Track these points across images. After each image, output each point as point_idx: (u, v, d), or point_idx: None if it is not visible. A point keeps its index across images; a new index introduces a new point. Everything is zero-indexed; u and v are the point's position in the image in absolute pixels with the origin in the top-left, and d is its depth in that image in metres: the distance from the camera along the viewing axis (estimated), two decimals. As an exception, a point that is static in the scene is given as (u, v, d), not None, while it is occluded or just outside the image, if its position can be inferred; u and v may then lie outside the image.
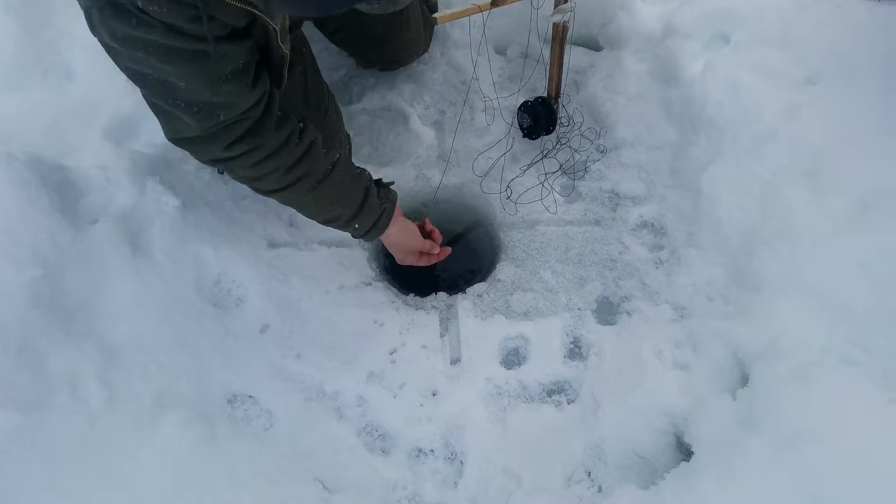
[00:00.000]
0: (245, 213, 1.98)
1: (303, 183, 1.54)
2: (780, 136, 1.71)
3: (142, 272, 1.74)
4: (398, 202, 1.79)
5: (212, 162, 1.50)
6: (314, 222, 1.99)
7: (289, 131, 1.48)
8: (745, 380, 1.54)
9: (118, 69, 1.33)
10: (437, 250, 1.90)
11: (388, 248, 1.86)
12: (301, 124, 1.54)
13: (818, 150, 1.66)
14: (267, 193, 1.59)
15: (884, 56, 1.78)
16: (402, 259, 1.88)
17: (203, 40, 1.24)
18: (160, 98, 1.34)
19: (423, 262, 1.91)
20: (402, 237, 1.82)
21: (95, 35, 1.26)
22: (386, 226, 1.74)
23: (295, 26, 1.62)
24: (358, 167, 1.68)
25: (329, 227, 1.74)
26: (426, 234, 1.91)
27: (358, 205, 1.65)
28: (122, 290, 1.70)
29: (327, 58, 2.27)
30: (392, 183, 1.81)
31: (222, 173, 1.94)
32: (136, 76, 1.30)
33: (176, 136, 1.44)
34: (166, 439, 1.53)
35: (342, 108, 2.10)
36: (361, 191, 1.66)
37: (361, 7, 1.10)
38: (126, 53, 1.24)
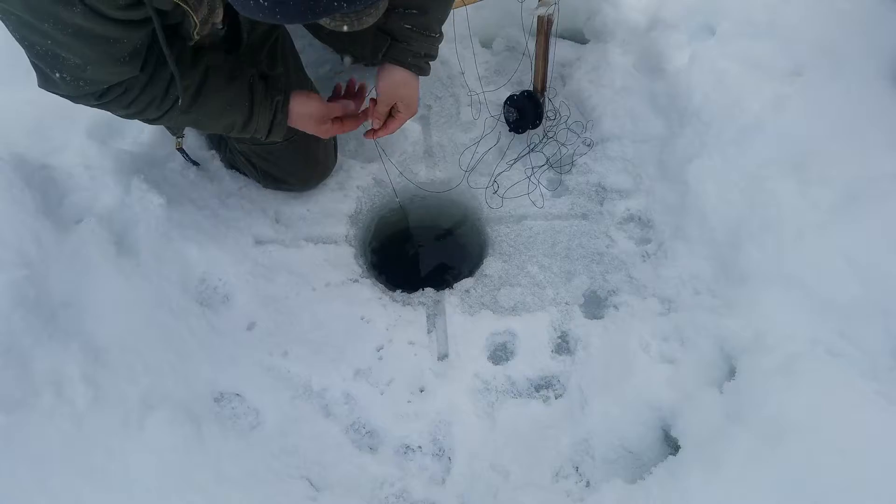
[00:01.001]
0: (230, 210, 1.97)
1: (182, 101, 1.46)
2: (765, 128, 1.71)
3: (127, 271, 1.73)
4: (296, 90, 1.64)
5: (86, 105, 1.45)
6: (301, 219, 2.00)
7: (153, 62, 1.40)
8: (732, 373, 1.54)
9: (17, 42, 1.28)
10: (351, 107, 1.71)
11: (297, 125, 1.66)
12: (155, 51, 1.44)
13: (804, 142, 1.66)
14: (151, 121, 1.55)
15: (870, 47, 1.78)
16: (316, 132, 1.68)
17: (120, 24, 1.22)
18: (46, 66, 1.30)
19: (337, 130, 1.71)
20: (302, 111, 1.63)
21: None
22: (286, 113, 1.61)
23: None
24: (238, 68, 1.55)
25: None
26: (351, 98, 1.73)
27: (248, 105, 1.54)
28: (107, 289, 1.68)
29: (311, 53, 2.25)
30: (283, 72, 1.71)
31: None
32: (25, 41, 1.26)
33: (49, 89, 1.40)
34: (153, 439, 1.53)
35: (327, 104, 2.09)
36: (245, 89, 1.54)
37: (324, 22, 1.08)
38: (28, 22, 1.19)
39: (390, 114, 1.72)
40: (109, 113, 1.49)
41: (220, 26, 1.46)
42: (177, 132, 1.80)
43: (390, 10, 1.59)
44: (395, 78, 1.67)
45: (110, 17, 1.20)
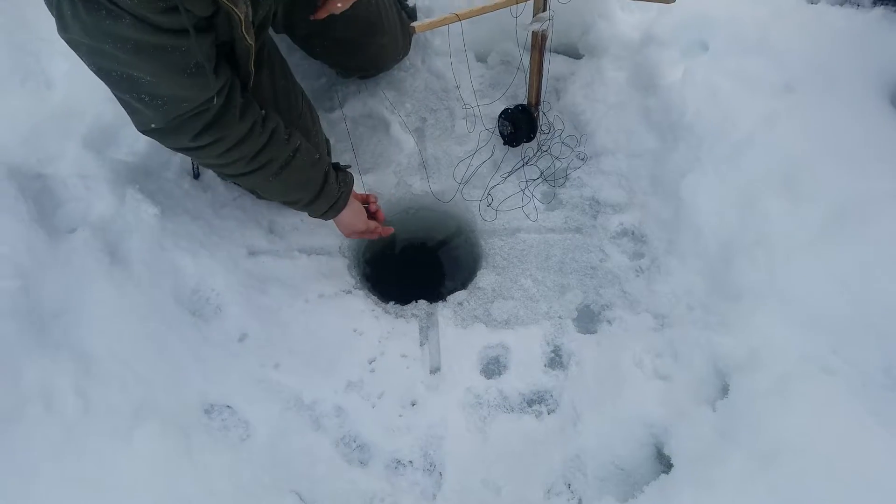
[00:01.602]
0: (224, 220, 1.97)
1: (266, 169, 1.60)
2: (757, 144, 1.72)
3: (119, 281, 1.72)
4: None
5: (181, 150, 1.56)
6: (295, 229, 2.00)
7: (252, 120, 1.52)
8: (725, 390, 1.53)
9: (98, 77, 1.35)
10: (379, 230, 1.95)
11: (336, 224, 1.89)
12: (263, 112, 1.58)
13: (796, 159, 1.66)
14: (232, 178, 1.66)
15: (862, 64, 1.79)
16: (348, 235, 1.94)
17: (170, 33, 1.27)
18: (125, 92, 1.37)
19: (367, 237, 1.96)
20: (351, 219, 1.87)
21: (63, 32, 1.27)
22: (342, 208, 1.81)
23: (261, 27, 1.62)
24: (317, 153, 1.72)
25: (293, 210, 1.82)
26: (370, 215, 1.94)
27: (318, 189, 1.72)
28: (100, 299, 1.68)
29: (307, 67, 2.26)
30: (349, 167, 1.89)
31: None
32: (101, 72, 1.33)
33: (143, 129, 1.48)
34: (142, 450, 1.52)
35: (323, 115, 2.10)
36: (321, 175, 1.72)
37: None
38: (94, 47, 1.26)
39: None
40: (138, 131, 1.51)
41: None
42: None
43: None
44: None
45: (156, 25, 1.24)
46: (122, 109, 1.46)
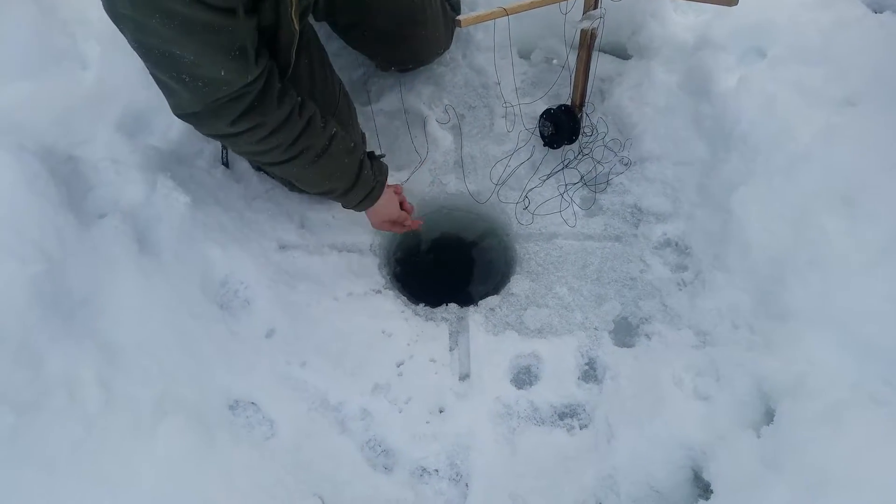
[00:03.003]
0: (256, 213, 1.93)
1: (304, 156, 1.57)
2: (815, 159, 1.63)
3: (148, 270, 1.69)
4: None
5: (218, 137, 1.53)
6: (327, 225, 1.95)
7: (290, 107, 1.49)
8: (769, 415, 1.46)
9: (133, 61, 1.33)
10: (409, 221, 1.93)
11: (368, 214, 1.87)
12: (299, 98, 1.54)
13: (856, 176, 1.58)
14: (269, 166, 1.63)
15: (928, 79, 1.70)
16: (378, 226, 1.91)
17: (220, 12, 1.24)
18: (164, 72, 1.34)
19: (396, 230, 1.94)
20: (385, 208, 1.84)
21: (108, 4, 1.24)
22: (378, 198, 1.78)
23: (302, 14, 1.57)
24: (352, 141, 1.69)
25: (325, 200, 1.82)
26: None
27: (353, 178, 1.69)
28: (127, 288, 1.65)
29: (346, 57, 2.21)
30: (383, 156, 1.85)
31: (225, 150, 1.95)
32: (142, 48, 1.30)
33: (180, 112, 1.44)
34: (164, 445, 1.48)
35: (359, 108, 2.05)
36: (357, 164, 1.69)
37: None
38: (139, 22, 1.23)
39: None
40: (174, 115, 1.47)
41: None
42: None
43: None
44: None
45: (207, 2, 1.21)
46: (157, 94, 1.43)
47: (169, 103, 1.44)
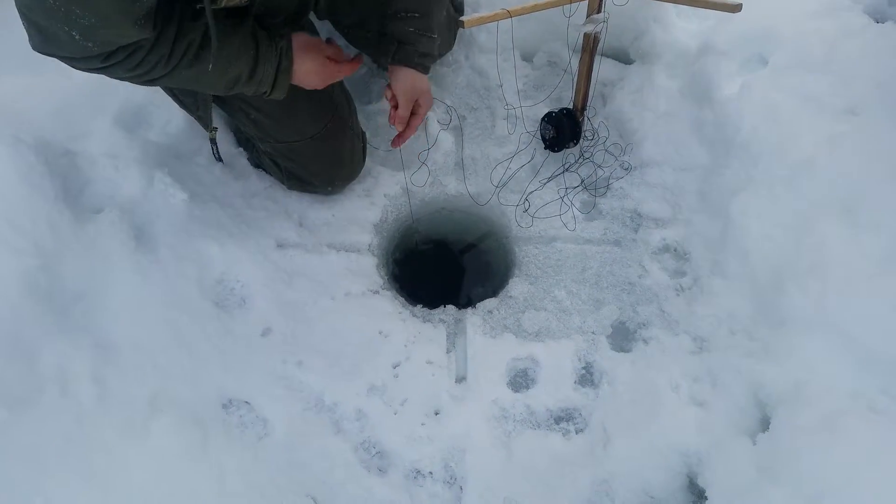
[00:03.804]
0: (255, 210, 1.92)
1: (187, 56, 1.40)
2: (817, 167, 1.63)
3: (143, 266, 1.69)
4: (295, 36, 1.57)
5: (88, 71, 1.39)
6: (325, 224, 1.94)
7: (161, 27, 1.34)
8: (766, 423, 1.46)
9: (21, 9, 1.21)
10: (345, 65, 1.67)
11: (305, 83, 1.61)
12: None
13: (858, 185, 1.58)
14: (155, 81, 1.45)
15: (931, 88, 1.69)
16: (324, 81, 1.63)
17: None
18: (51, 21, 1.21)
19: (343, 72, 1.68)
20: (310, 64, 1.58)
21: None
22: (290, 67, 1.54)
23: (299, 14, 1.55)
24: (234, 20, 1.48)
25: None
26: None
27: (252, 54, 1.47)
28: (122, 283, 1.64)
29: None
30: (284, 32, 1.58)
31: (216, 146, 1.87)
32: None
33: (50, 53, 1.31)
34: (157, 444, 1.48)
35: (359, 107, 2.05)
36: (249, 36, 1.47)
37: None
38: None
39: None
40: (31, 48, 1.32)
41: None
42: (208, 124, 1.75)
43: (392, 15, 1.69)
44: (409, 78, 1.73)
45: None
46: (157, 89, 1.37)
47: (34, 41, 1.28)
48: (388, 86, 1.73)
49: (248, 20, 1.48)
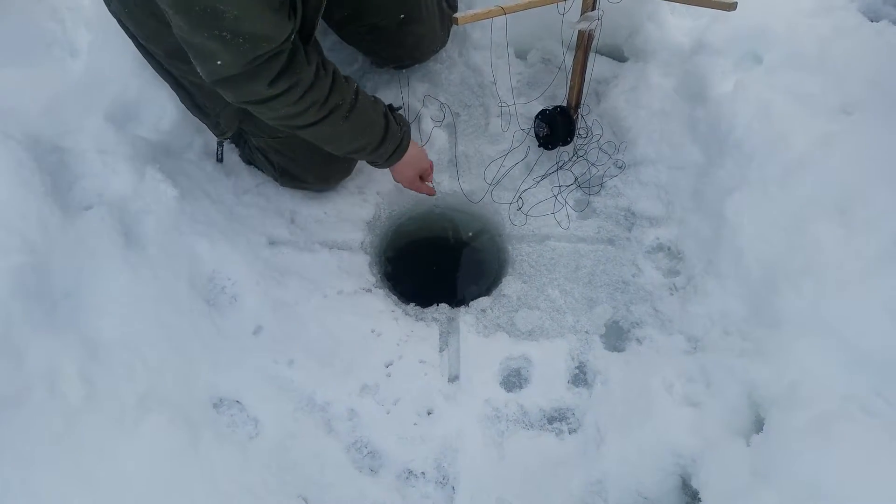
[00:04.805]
0: (246, 207, 1.91)
1: (337, 112, 1.55)
2: (811, 166, 1.63)
3: (133, 263, 1.67)
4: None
5: (254, 102, 1.47)
6: (317, 221, 1.93)
7: (316, 63, 1.49)
8: (759, 424, 1.45)
9: (124, 49, 1.31)
10: (431, 177, 1.92)
11: (397, 171, 1.83)
12: (319, 56, 1.54)
13: (851, 185, 1.57)
14: (303, 129, 1.58)
15: (925, 88, 1.69)
16: (409, 181, 1.87)
17: None
18: (205, 29, 1.29)
19: (421, 188, 1.91)
20: (414, 159, 1.81)
21: None
22: (407, 147, 1.76)
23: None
24: (372, 95, 1.69)
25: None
26: None
27: (383, 130, 1.67)
28: (112, 281, 1.62)
29: (341, 52, 2.18)
30: (401, 107, 1.87)
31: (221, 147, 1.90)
32: (182, 5, 1.26)
33: (216, 77, 1.40)
34: (147, 443, 1.46)
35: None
36: (382, 115, 1.67)
37: None
38: None
39: None
40: (208, 81, 1.43)
41: None
42: (224, 131, 1.79)
43: None
44: (409, 169, 1.85)
45: None
46: (148, 83, 1.38)
47: (203, 70, 1.40)
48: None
49: (381, 100, 1.70)
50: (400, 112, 1.81)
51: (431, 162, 1.89)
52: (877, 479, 1.25)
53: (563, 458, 1.58)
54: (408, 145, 1.76)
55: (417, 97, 2.17)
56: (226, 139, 1.83)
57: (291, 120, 1.54)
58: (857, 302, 1.46)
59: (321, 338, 1.73)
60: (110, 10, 1.63)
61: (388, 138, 1.69)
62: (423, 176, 1.88)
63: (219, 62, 1.35)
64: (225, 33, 1.29)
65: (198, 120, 1.82)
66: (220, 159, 1.90)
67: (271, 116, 1.53)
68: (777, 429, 1.39)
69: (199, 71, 1.41)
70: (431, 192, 1.94)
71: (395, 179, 1.87)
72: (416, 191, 1.90)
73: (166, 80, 1.74)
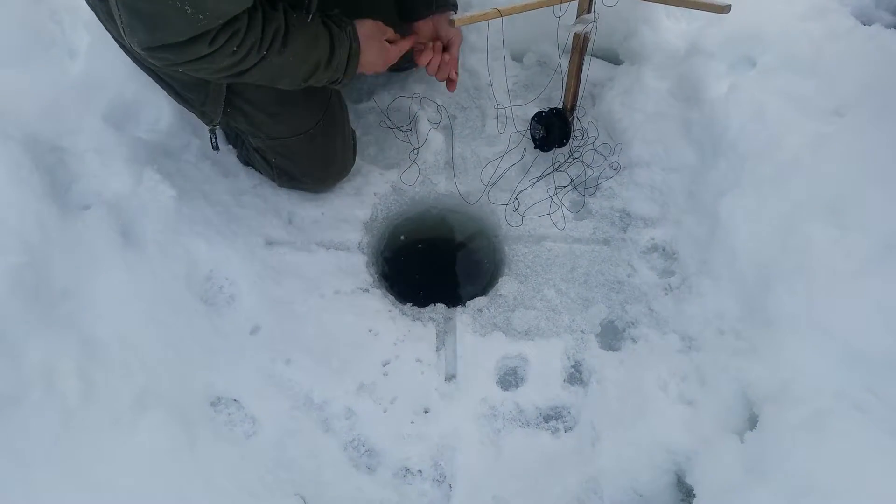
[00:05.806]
0: (244, 208, 1.91)
1: (275, 42, 1.46)
2: (804, 168, 1.64)
3: (131, 263, 1.67)
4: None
5: (192, 62, 1.41)
6: (315, 222, 1.94)
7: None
8: (753, 421, 1.47)
9: (122, 50, 1.26)
10: (401, 43, 1.76)
11: (366, 65, 1.68)
12: None
13: (843, 186, 1.59)
14: (247, 73, 1.49)
15: (917, 91, 1.71)
16: (384, 56, 1.72)
17: None
18: (159, 1, 1.25)
19: (404, 48, 1.77)
20: (374, 55, 1.67)
21: None
22: (359, 50, 1.62)
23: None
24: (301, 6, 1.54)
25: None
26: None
27: (327, 38, 1.55)
28: (110, 280, 1.63)
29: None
30: (335, 10, 1.65)
31: (214, 135, 1.86)
32: None
33: (157, 43, 1.34)
34: (144, 441, 1.47)
35: (350, 106, 2.04)
36: (320, 24, 1.55)
37: None
38: None
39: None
40: (142, 49, 1.37)
41: None
42: (213, 119, 1.76)
43: None
44: (443, 22, 1.77)
45: None
46: (146, 85, 1.37)
47: (143, 37, 1.32)
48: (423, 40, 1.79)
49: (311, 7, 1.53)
50: (336, 12, 1.63)
51: (388, 28, 1.72)
52: (869, 476, 1.26)
53: (558, 455, 1.58)
54: (359, 44, 1.61)
55: (415, 99, 2.19)
56: (215, 126, 1.80)
57: (234, 68, 1.47)
58: (849, 301, 1.48)
59: (319, 337, 1.74)
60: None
61: (337, 45, 1.56)
62: (389, 40, 1.71)
63: (167, 30, 1.31)
64: (187, 7, 1.25)
65: (196, 121, 1.82)
66: (215, 147, 1.88)
67: (212, 70, 1.46)
68: (770, 426, 1.41)
69: (128, 37, 1.34)
70: (411, 42, 1.78)
71: (369, 72, 1.73)
72: (396, 58, 1.75)
73: (151, 77, 1.72)
